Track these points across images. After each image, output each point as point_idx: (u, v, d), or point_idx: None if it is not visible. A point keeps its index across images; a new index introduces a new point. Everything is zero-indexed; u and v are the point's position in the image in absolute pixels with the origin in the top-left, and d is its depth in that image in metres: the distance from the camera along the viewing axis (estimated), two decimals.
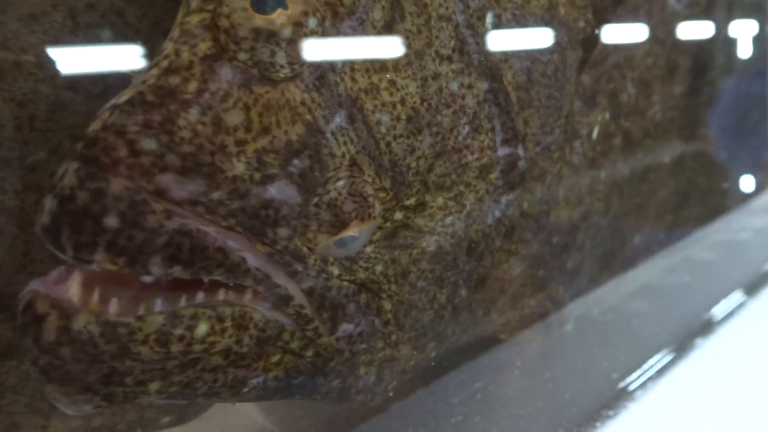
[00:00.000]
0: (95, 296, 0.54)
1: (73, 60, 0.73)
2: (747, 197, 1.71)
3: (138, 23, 0.75)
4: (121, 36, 0.73)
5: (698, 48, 1.33)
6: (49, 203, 0.52)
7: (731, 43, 1.46)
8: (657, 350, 1.11)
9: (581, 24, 1.01)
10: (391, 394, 0.84)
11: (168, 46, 0.60)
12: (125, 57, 0.75)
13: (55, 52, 0.71)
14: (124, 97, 0.57)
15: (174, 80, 0.58)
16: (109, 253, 0.52)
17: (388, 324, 0.75)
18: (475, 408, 1.00)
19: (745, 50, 1.53)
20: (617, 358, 1.10)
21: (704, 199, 1.51)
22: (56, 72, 0.71)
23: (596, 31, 1.03)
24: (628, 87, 1.15)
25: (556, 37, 0.94)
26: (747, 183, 1.70)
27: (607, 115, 1.12)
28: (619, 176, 1.18)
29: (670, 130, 1.31)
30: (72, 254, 0.52)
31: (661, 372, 1.10)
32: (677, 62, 1.28)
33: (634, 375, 1.06)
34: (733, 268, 1.46)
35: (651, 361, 1.09)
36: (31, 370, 0.53)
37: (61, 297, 0.54)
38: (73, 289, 0.54)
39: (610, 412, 1.01)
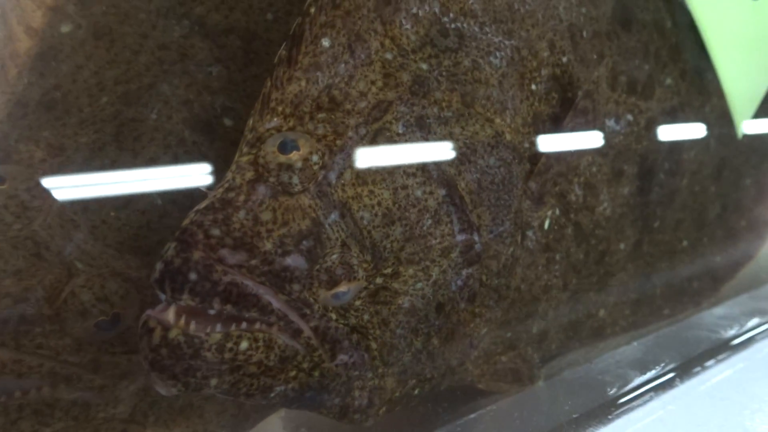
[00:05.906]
0: (182, 320, 0.88)
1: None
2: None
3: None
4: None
5: (642, 156, 1.62)
6: (158, 265, 0.87)
7: (677, 150, 1.74)
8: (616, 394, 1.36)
9: (526, 145, 1.32)
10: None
11: (228, 175, 0.97)
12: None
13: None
14: (203, 204, 0.93)
15: (231, 195, 0.93)
16: (190, 295, 0.87)
17: (375, 359, 1.05)
18: None
19: (692, 155, 1.82)
20: (579, 402, 1.34)
21: (667, 280, 1.75)
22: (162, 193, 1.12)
23: (540, 150, 1.37)
24: (575, 189, 1.42)
25: (502, 156, 1.26)
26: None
27: (557, 211, 1.41)
28: (574, 259, 1.46)
29: (621, 222, 1.56)
30: (170, 295, 0.87)
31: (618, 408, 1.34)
32: (622, 169, 1.52)
33: (591, 408, 1.31)
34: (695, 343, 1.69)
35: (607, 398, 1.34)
36: (143, 363, 0.87)
37: (163, 318, 0.87)
38: (170, 314, 0.88)
39: None
